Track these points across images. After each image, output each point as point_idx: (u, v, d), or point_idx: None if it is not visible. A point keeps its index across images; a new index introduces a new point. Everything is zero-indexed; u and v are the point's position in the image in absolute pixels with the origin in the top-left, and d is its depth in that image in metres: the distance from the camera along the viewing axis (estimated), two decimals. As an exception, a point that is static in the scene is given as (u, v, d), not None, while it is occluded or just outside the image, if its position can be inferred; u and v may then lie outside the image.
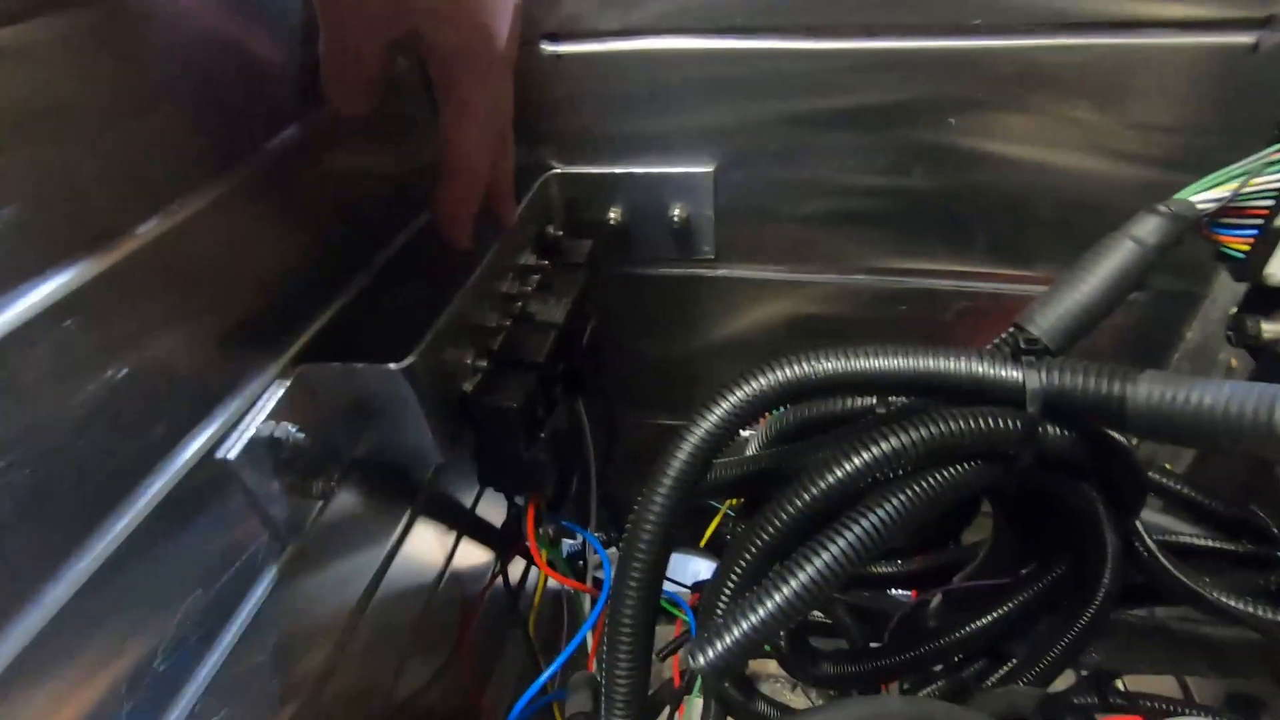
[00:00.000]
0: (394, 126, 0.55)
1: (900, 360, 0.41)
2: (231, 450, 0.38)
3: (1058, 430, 0.39)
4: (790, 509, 0.40)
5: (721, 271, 0.67)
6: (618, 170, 0.62)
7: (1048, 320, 0.42)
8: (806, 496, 0.39)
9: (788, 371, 0.43)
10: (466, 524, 0.72)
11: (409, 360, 0.42)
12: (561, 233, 0.62)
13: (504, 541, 0.70)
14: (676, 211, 0.62)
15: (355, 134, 0.50)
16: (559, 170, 0.63)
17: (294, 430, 0.41)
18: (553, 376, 0.53)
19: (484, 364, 0.49)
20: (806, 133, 0.57)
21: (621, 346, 0.75)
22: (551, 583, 0.66)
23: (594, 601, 0.59)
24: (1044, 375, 0.37)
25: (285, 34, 0.43)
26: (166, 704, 0.36)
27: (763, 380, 0.43)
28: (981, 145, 0.55)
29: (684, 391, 0.80)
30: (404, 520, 0.59)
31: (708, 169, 0.60)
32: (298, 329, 0.45)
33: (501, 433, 0.49)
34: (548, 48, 0.57)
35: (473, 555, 0.75)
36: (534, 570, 0.70)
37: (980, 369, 0.39)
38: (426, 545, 0.66)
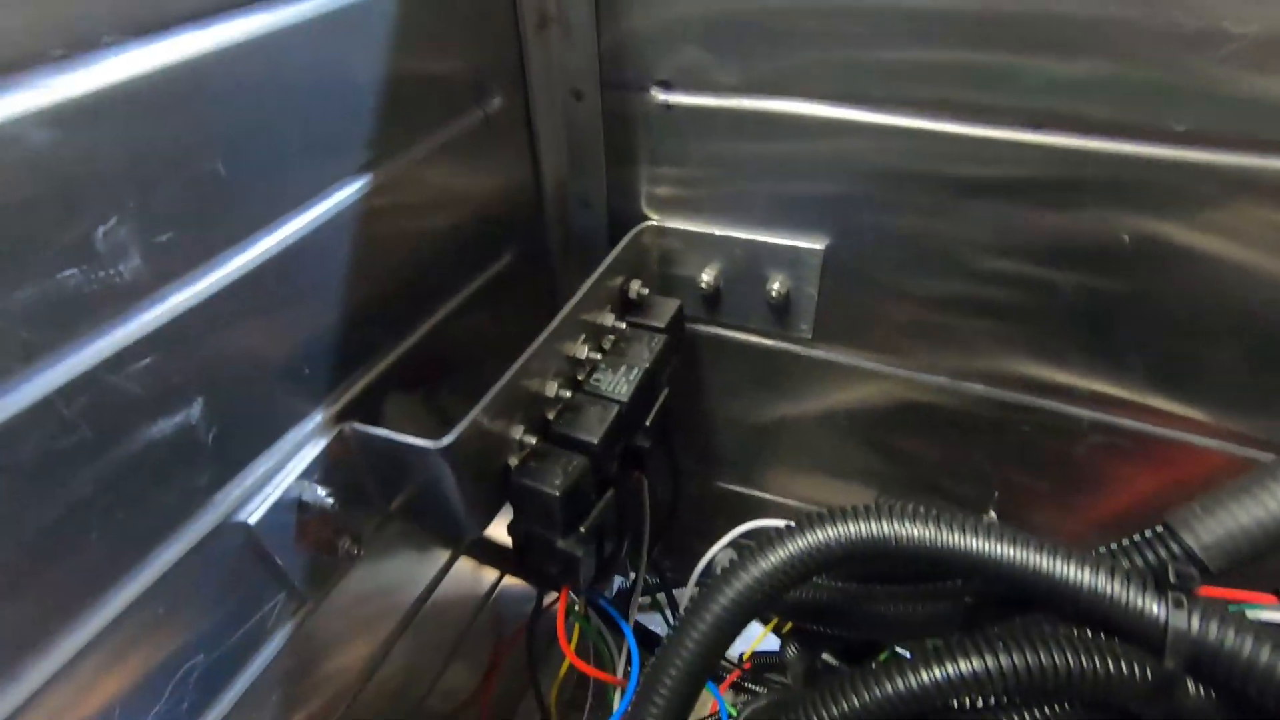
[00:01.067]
0: (483, 161, 0.52)
1: (1007, 550, 0.34)
2: (255, 514, 0.37)
3: (1201, 691, 0.30)
4: (847, 707, 0.34)
5: (817, 353, 0.61)
6: (717, 232, 0.56)
7: (1212, 534, 0.33)
8: (868, 698, 0.33)
9: (863, 528, 0.37)
10: (509, 565, 0.70)
11: (448, 440, 0.39)
12: (648, 290, 0.58)
13: (543, 583, 0.67)
14: (776, 285, 0.56)
15: (445, 170, 0.47)
16: (655, 223, 0.58)
17: (323, 494, 0.40)
18: (609, 457, 0.49)
19: (533, 441, 0.45)
20: (939, 209, 0.49)
21: (696, 404, 0.70)
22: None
23: (622, 692, 0.55)
24: (1195, 622, 0.29)
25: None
26: (151, 769, 0.35)
27: (830, 533, 0.37)
28: (1158, 243, 0.45)
29: (756, 461, 0.74)
30: (438, 569, 0.58)
31: (817, 245, 0.54)
32: (348, 378, 0.43)
33: (539, 518, 0.46)
34: (658, 95, 0.52)
35: (514, 594, 0.73)
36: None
37: (1110, 589, 0.31)
38: (462, 589, 0.64)
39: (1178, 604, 0.30)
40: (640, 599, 0.68)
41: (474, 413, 0.41)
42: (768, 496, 0.76)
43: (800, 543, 0.37)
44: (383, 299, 0.44)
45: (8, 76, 0.23)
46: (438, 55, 0.43)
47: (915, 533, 0.36)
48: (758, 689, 0.86)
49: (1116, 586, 0.31)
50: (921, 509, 0.37)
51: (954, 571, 0.36)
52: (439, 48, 0.43)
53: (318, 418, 0.40)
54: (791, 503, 0.76)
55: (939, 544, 0.35)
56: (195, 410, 0.32)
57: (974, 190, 0.47)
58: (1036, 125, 0.43)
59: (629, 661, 0.61)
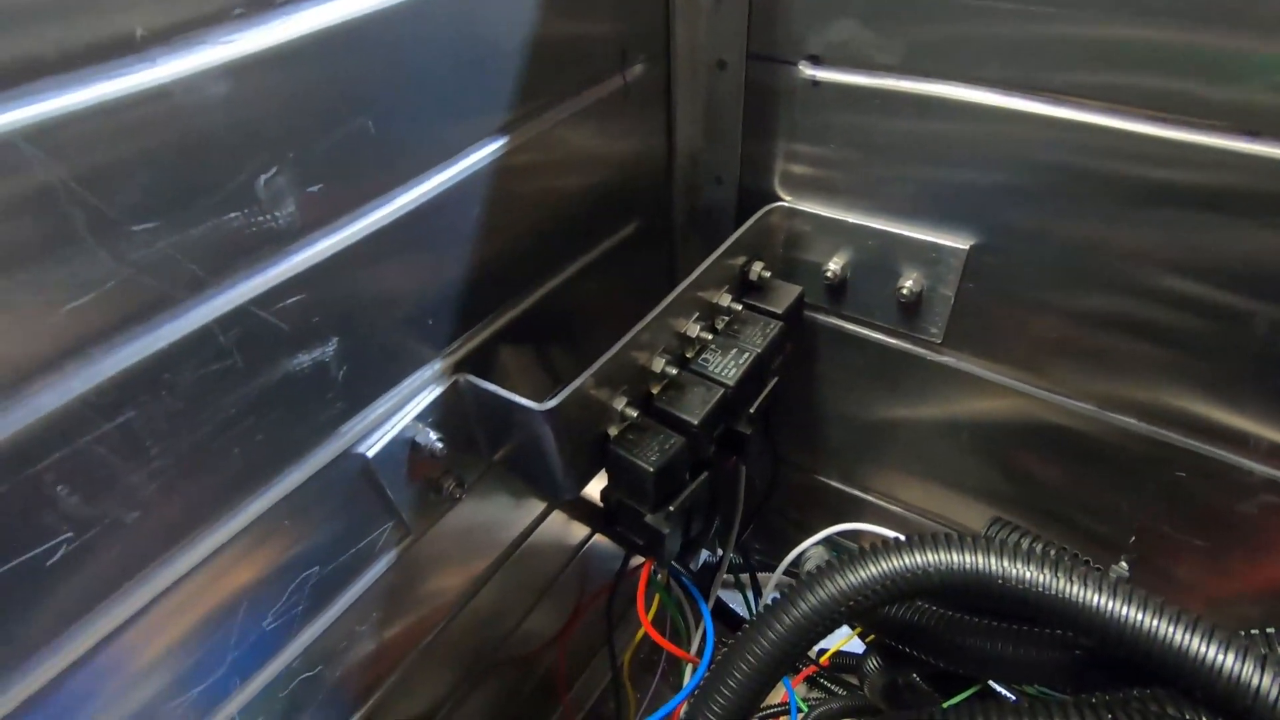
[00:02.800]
0: (618, 128, 0.51)
1: (1137, 615, 0.31)
2: (373, 448, 0.40)
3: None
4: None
5: (944, 359, 0.56)
6: (851, 219, 0.53)
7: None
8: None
9: (968, 560, 0.34)
10: (600, 522, 0.72)
11: (552, 404, 0.40)
12: (769, 273, 0.56)
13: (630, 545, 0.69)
14: (909, 282, 0.52)
15: (581, 134, 0.47)
16: (787, 204, 0.56)
17: (434, 438, 0.42)
18: (707, 439, 0.49)
19: (634, 414, 0.46)
20: (1115, 214, 0.43)
21: (805, 393, 0.67)
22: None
23: (693, 669, 0.56)
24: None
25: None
26: (267, 658, 0.39)
27: (930, 558, 0.35)
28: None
29: (861, 460, 0.71)
30: (533, 519, 0.60)
31: (961, 245, 0.49)
32: (468, 331, 0.45)
33: (631, 489, 0.46)
34: (806, 70, 0.49)
35: (602, 550, 0.76)
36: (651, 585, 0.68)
37: (1256, 682, 0.28)
38: (554, 539, 0.67)
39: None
40: (724, 576, 0.68)
41: (580, 379, 0.41)
42: (868, 498, 0.73)
43: (896, 563, 0.35)
44: (508, 258, 0.45)
45: (196, 32, 0.25)
46: (585, 20, 0.43)
47: (1028, 575, 0.33)
48: (833, 687, 0.84)
49: (1266, 680, 0.27)
50: (1039, 549, 0.34)
51: (1068, 626, 0.33)
52: (586, 13, 0.43)
53: (436, 366, 0.43)
54: (894, 508, 0.72)
55: (1055, 593, 0.32)
56: (330, 348, 0.35)
57: (1162, 196, 0.41)
58: (1252, 132, 0.37)
59: (704, 637, 0.61)
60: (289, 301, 0.32)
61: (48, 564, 0.27)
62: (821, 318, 0.61)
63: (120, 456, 0.28)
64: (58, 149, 0.23)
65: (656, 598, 0.61)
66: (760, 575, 0.81)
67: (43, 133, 0.22)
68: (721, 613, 0.83)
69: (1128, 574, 0.42)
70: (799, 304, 0.56)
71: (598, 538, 0.75)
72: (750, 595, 0.82)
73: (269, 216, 0.30)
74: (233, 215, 0.28)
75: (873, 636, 0.55)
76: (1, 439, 0.24)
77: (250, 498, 0.34)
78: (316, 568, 0.40)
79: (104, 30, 0.23)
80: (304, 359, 0.34)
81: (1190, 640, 0.30)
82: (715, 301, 0.53)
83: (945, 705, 0.45)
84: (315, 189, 0.31)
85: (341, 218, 0.33)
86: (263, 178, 0.29)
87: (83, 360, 0.26)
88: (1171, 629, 0.30)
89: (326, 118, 0.30)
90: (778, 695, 0.80)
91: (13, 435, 0.25)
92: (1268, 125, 0.36)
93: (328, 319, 0.34)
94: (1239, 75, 0.36)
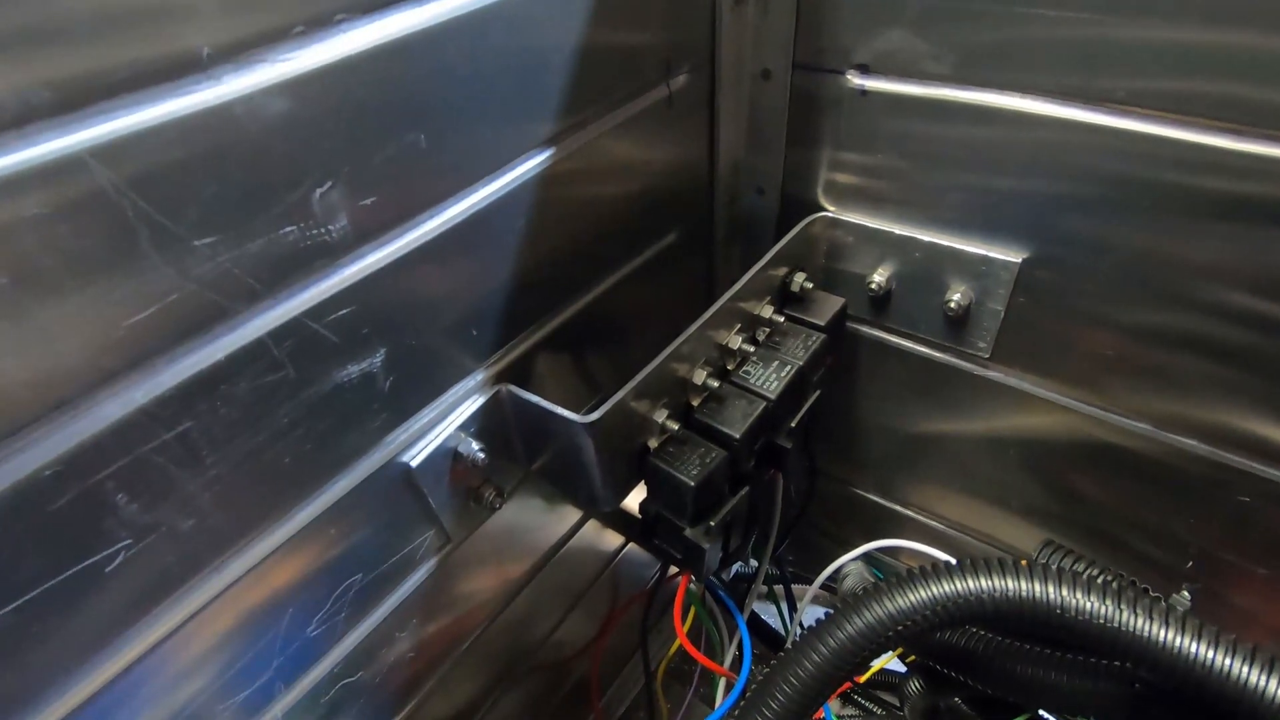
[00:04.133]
0: (661, 138, 0.51)
1: (1205, 651, 0.29)
2: (417, 458, 0.40)
3: None
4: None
5: (992, 374, 0.55)
6: (897, 230, 0.52)
7: None
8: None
9: (1025, 588, 0.33)
10: (637, 533, 0.72)
11: (594, 417, 0.40)
12: (812, 284, 0.55)
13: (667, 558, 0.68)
14: (956, 296, 0.51)
15: (624, 144, 0.47)
16: (831, 214, 0.55)
17: (476, 448, 0.42)
18: (747, 452, 0.48)
19: (674, 426, 0.45)
20: (1177, 227, 0.42)
21: (846, 405, 0.66)
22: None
23: (728, 685, 0.55)
24: None
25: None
26: (310, 663, 0.40)
27: (984, 584, 0.34)
28: None
29: (902, 474, 0.69)
30: (569, 527, 0.60)
31: (1013, 258, 0.48)
32: (510, 342, 0.45)
33: (671, 503, 0.46)
34: (854, 80, 0.48)
35: (637, 559, 0.75)
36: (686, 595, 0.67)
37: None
38: (589, 547, 0.67)
39: None
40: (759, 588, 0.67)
41: (622, 393, 0.41)
42: (907, 513, 0.72)
43: (948, 588, 0.34)
44: (551, 267, 0.45)
45: (259, 50, 0.26)
46: (631, 32, 0.43)
47: (1089, 606, 0.32)
48: (869, 706, 0.82)
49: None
50: (1100, 578, 0.33)
51: (1129, 659, 0.31)
52: (633, 25, 0.43)
53: (479, 376, 0.43)
54: (934, 524, 0.70)
55: (1118, 625, 0.31)
56: (378, 360, 0.35)
57: (1228, 209, 0.40)
58: (1333, 144, 0.35)
59: (738, 648, 0.60)
60: (340, 313, 0.32)
61: (106, 570, 0.28)
62: (864, 330, 0.59)
63: (178, 466, 0.28)
64: (124, 166, 0.23)
65: (692, 611, 0.60)
66: (795, 587, 0.80)
67: (110, 150, 0.23)
68: (754, 625, 0.82)
69: (1190, 603, 0.40)
70: (841, 316, 0.55)
71: (632, 545, 0.75)
72: (784, 607, 0.81)
73: (323, 230, 0.30)
74: (289, 229, 0.29)
75: (914, 658, 0.53)
76: (66, 449, 0.25)
77: (298, 506, 0.35)
78: (360, 574, 0.40)
79: (173, 50, 0.24)
80: (353, 370, 0.34)
81: (1258, 677, 0.28)
82: (757, 313, 0.52)
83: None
84: (368, 202, 0.31)
85: (392, 230, 0.33)
86: (318, 191, 0.29)
87: (145, 372, 0.26)
88: (1238, 665, 0.29)
89: (380, 132, 0.31)
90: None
91: (77, 445, 0.25)
92: (1349, 138, 0.34)
93: (376, 330, 0.34)
94: (1318, 85, 0.34)
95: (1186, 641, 0.30)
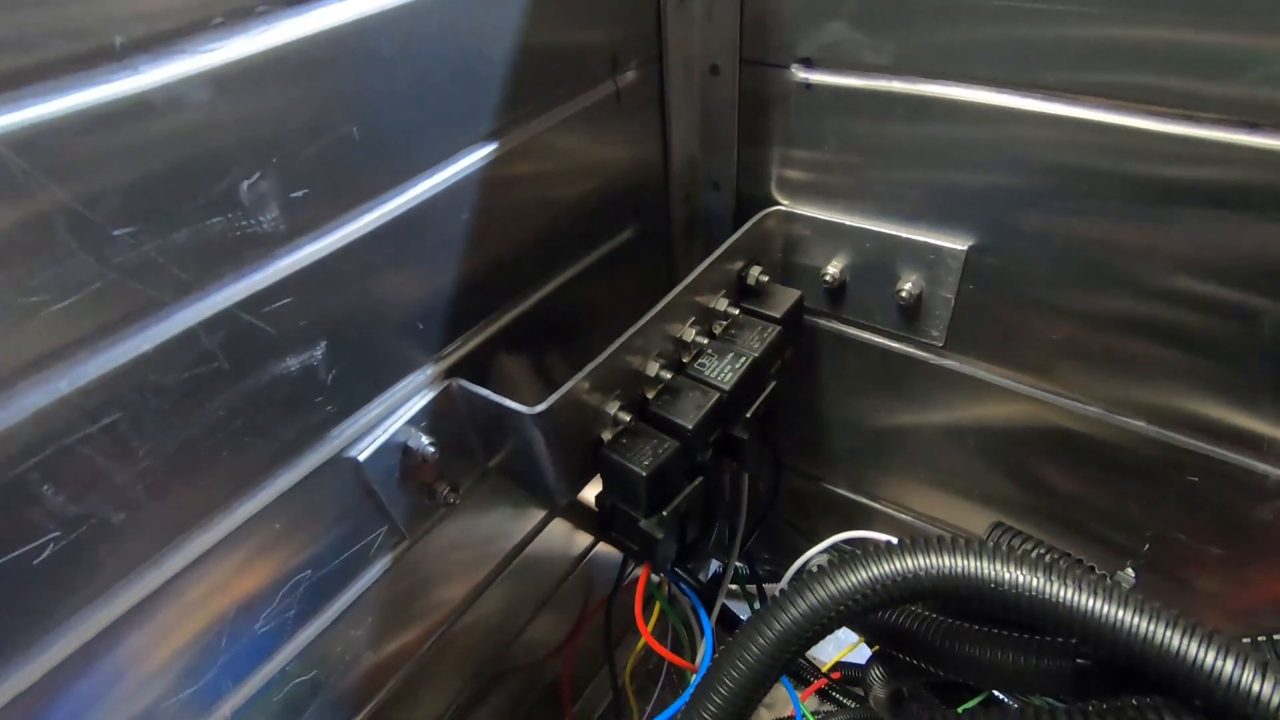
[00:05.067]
0: (612, 135, 0.51)
1: (1137, 621, 0.30)
2: (364, 452, 0.40)
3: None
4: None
5: (948, 362, 0.55)
6: (849, 222, 0.53)
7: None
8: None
9: (960, 564, 0.34)
10: (595, 526, 0.72)
11: (542, 407, 0.40)
12: (767, 277, 0.55)
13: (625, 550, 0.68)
14: (908, 285, 0.52)
15: (572, 140, 0.48)
16: (784, 207, 0.55)
17: (427, 443, 0.42)
18: (702, 444, 0.48)
19: (628, 418, 0.46)
20: (1120, 212, 0.43)
21: (807, 399, 0.67)
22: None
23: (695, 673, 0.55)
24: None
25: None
26: (259, 661, 0.39)
27: (920, 562, 0.34)
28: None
29: (867, 466, 0.70)
30: (533, 526, 0.60)
31: (959, 246, 0.49)
32: (460, 336, 0.45)
33: (625, 494, 0.46)
34: (799, 74, 0.49)
35: (605, 559, 0.75)
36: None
37: (1257, 689, 0.27)
38: (556, 548, 0.67)
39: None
40: (731, 586, 0.67)
41: (570, 383, 0.41)
42: (875, 505, 0.72)
43: (886, 567, 0.35)
44: (500, 264, 0.46)
45: (177, 41, 0.26)
46: (574, 27, 0.44)
47: (1022, 580, 0.32)
48: (843, 700, 0.82)
49: (1266, 687, 0.26)
50: (1035, 553, 0.33)
51: (1066, 632, 0.32)
52: (575, 20, 0.43)
53: (428, 370, 0.43)
54: (901, 515, 0.71)
55: (1050, 597, 0.31)
56: (319, 352, 0.35)
57: (1164, 192, 0.41)
58: (1251, 125, 0.36)
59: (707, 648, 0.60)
60: (275, 305, 0.32)
61: (34, 562, 0.27)
62: (822, 322, 0.60)
63: (107, 457, 0.28)
64: (38, 155, 0.23)
65: (657, 607, 0.60)
66: (767, 586, 0.81)
67: (24, 140, 0.23)
68: (728, 623, 0.82)
69: (1134, 579, 0.41)
70: (798, 308, 0.56)
71: (601, 546, 0.75)
72: (757, 605, 0.81)
73: (253, 221, 0.30)
74: (215, 220, 0.29)
75: (876, 646, 0.53)
76: (-14, 438, 0.25)
77: (240, 500, 0.35)
78: (309, 571, 0.40)
79: (83, 40, 0.24)
80: (292, 362, 0.34)
81: (1188, 646, 0.29)
82: (712, 306, 0.53)
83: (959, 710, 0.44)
84: (299, 194, 0.32)
85: (327, 223, 0.34)
86: (245, 183, 0.29)
87: (68, 361, 0.26)
88: (1169, 634, 0.29)
89: (309, 125, 0.31)
90: (786, 709, 0.79)
91: (-2, 435, 0.25)
92: (1266, 117, 0.35)
93: (316, 323, 0.35)
94: (1235, 68, 0.35)
95: (1114, 611, 0.30)
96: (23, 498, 0.26)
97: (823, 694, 0.85)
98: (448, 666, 0.57)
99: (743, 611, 0.85)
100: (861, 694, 0.78)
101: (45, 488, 0.27)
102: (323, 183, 0.32)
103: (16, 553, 0.27)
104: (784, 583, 0.71)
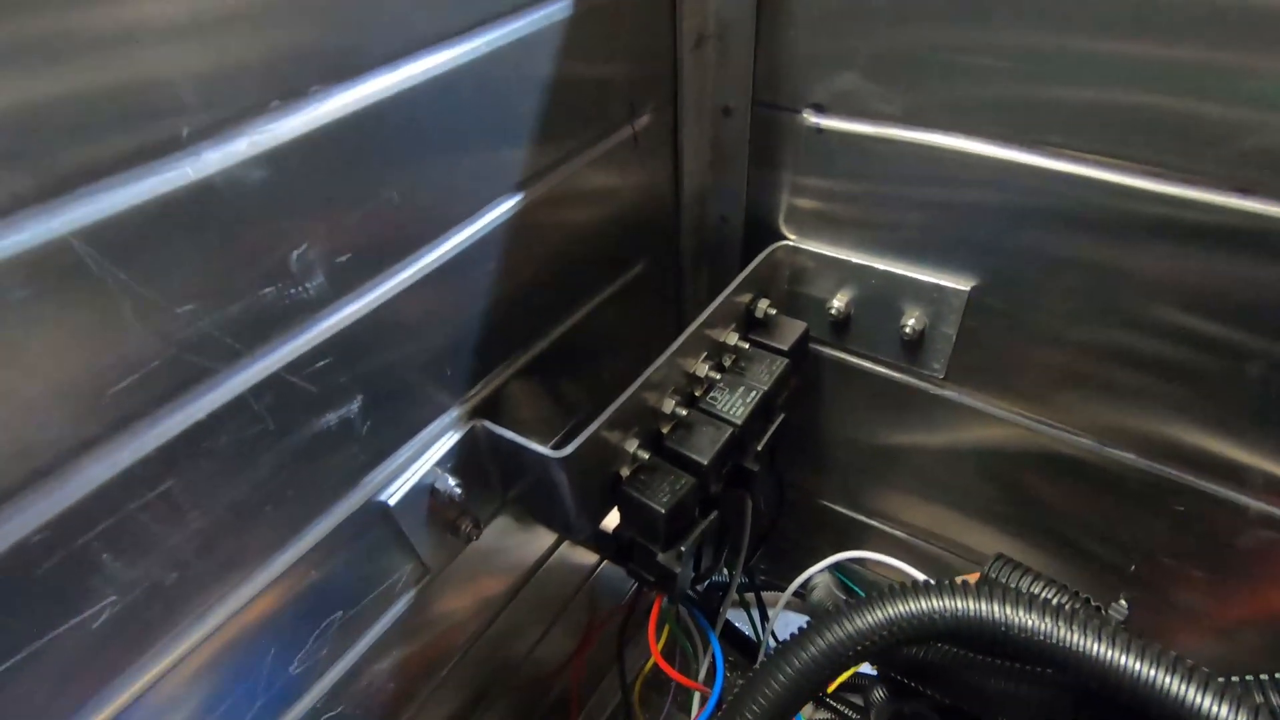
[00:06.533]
0: (627, 175, 0.53)
1: (1134, 664, 0.32)
2: (394, 496, 0.41)
3: None
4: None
5: (947, 393, 0.58)
6: (855, 259, 0.54)
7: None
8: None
9: (973, 607, 0.36)
10: (611, 553, 0.73)
11: (568, 452, 0.41)
12: (775, 310, 0.57)
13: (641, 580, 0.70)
14: (911, 321, 0.54)
15: (592, 183, 0.49)
16: (792, 242, 0.57)
17: (453, 484, 0.43)
18: (716, 477, 0.50)
19: (645, 455, 0.47)
20: (1115, 253, 0.45)
21: (811, 421, 0.69)
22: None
23: (703, 700, 0.57)
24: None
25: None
26: (293, 701, 0.40)
27: (936, 604, 0.36)
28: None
29: (867, 486, 0.72)
30: (544, 550, 0.61)
31: (962, 286, 0.51)
32: (484, 378, 0.46)
33: (643, 529, 0.47)
34: (810, 118, 0.50)
35: (612, 575, 0.77)
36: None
37: (1221, 714, 0.29)
38: (565, 566, 0.68)
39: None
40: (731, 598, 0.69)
41: (594, 426, 0.43)
42: (872, 522, 0.74)
43: (905, 608, 0.37)
44: (523, 305, 0.47)
45: (238, 125, 0.27)
46: (596, 80, 0.45)
47: (1030, 624, 0.34)
48: (838, 706, 0.85)
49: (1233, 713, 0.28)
50: (1042, 595, 0.35)
51: (1068, 671, 0.34)
52: (598, 72, 0.44)
53: (454, 413, 0.44)
54: (898, 533, 0.73)
55: (1056, 640, 0.33)
56: (355, 406, 0.36)
57: (1161, 233, 0.42)
58: (1243, 190, 0.38)
59: (712, 660, 0.62)
60: (318, 365, 0.33)
61: (93, 627, 0.28)
62: (827, 351, 0.62)
63: (161, 522, 0.29)
64: (108, 244, 0.24)
65: (666, 627, 0.62)
66: (766, 594, 0.83)
67: (94, 231, 0.24)
68: (727, 632, 0.84)
69: (1127, 612, 0.43)
70: (804, 340, 0.58)
71: (608, 562, 0.77)
72: (755, 614, 0.83)
73: (301, 288, 0.31)
74: (267, 290, 0.30)
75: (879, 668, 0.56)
76: (53, 515, 0.26)
77: (280, 551, 0.36)
78: (340, 612, 0.41)
79: (154, 132, 0.24)
80: (331, 417, 0.35)
81: (1185, 689, 0.31)
82: (722, 340, 0.54)
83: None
84: (344, 259, 0.32)
85: (367, 283, 0.35)
86: (295, 253, 0.30)
87: (129, 435, 0.27)
88: (1166, 677, 0.31)
89: (355, 193, 0.32)
90: (785, 716, 0.81)
91: (64, 510, 0.26)
92: (1258, 185, 0.37)
93: (353, 378, 0.35)
94: (1229, 138, 0.37)
95: (1116, 654, 0.32)
96: (86, 567, 0.27)
97: (817, 701, 0.87)
98: (463, 684, 0.58)
99: (738, 618, 0.87)
100: (855, 703, 0.81)
101: (105, 556, 0.28)
102: (364, 246, 0.33)
103: (77, 618, 0.28)
104: (788, 594, 0.73)
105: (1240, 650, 0.55)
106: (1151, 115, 0.39)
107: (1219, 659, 0.57)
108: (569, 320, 0.52)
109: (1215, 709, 0.30)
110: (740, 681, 0.41)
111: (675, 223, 0.59)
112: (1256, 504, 0.48)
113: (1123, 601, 0.43)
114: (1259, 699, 0.33)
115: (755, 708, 0.38)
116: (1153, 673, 0.32)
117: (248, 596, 0.35)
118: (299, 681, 0.40)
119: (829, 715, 0.84)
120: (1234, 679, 0.36)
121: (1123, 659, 0.32)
